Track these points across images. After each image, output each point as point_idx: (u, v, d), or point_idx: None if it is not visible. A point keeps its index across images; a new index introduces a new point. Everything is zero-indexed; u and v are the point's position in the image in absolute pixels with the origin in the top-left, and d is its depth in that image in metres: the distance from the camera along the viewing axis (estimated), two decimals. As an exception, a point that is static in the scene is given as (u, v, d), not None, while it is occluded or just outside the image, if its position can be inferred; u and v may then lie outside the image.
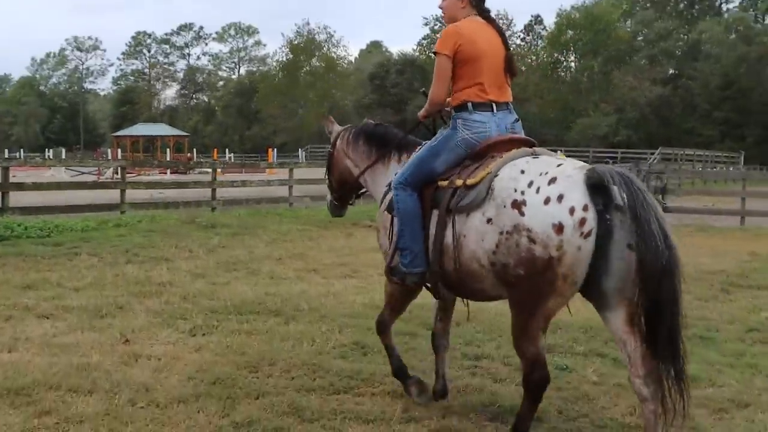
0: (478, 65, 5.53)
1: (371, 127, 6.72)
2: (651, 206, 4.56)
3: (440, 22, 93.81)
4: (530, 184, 4.74)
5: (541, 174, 4.78)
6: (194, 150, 73.28)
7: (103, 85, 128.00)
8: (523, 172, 4.87)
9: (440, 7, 5.83)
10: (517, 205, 4.73)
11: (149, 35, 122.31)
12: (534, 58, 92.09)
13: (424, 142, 6.02)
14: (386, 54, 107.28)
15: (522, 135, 5.61)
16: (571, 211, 4.54)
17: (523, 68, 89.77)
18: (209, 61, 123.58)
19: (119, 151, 67.23)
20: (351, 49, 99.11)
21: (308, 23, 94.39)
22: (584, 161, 5.22)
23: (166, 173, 44.67)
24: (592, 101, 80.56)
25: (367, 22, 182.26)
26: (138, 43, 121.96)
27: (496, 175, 5.00)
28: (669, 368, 4.66)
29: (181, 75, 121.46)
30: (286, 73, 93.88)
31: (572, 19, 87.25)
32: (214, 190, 22.58)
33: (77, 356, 7.27)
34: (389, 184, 5.94)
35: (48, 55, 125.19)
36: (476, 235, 4.99)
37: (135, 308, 9.41)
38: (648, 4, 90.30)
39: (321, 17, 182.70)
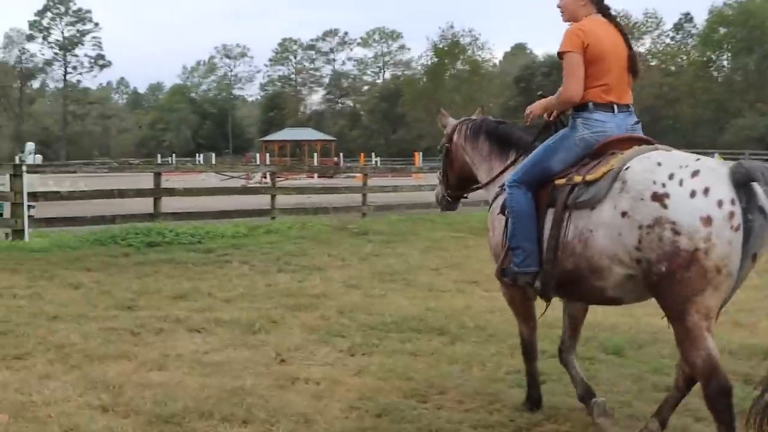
0: (602, 66, 5.40)
1: (493, 124, 6.53)
2: None
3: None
4: (671, 176, 4.54)
5: (681, 166, 4.58)
6: (341, 154, 73.54)
7: (251, 91, 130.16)
8: (659, 164, 4.68)
9: (559, 6, 5.71)
10: (659, 197, 4.51)
11: (295, 41, 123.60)
12: (685, 57, 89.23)
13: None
14: (531, 56, 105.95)
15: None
16: (719, 203, 4.36)
17: (673, 68, 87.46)
18: (354, 65, 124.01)
19: (267, 155, 68.10)
20: (495, 51, 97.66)
21: (452, 26, 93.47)
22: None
23: (313, 177, 44.73)
24: (748, 101, 77.42)
25: (511, 24, 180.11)
26: (284, 50, 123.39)
27: (626, 168, 4.81)
28: None
29: (326, 80, 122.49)
30: (430, 76, 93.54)
31: (725, 15, 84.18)
32: (364, 196, 22.12)
33: (230, 377, 6.78)
34: (502, 186, 5.86)
35: (198, 62, 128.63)
36: (609, 229, 4.79)
37: (289, 323, 8.91)
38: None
39: (465, 20, 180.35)
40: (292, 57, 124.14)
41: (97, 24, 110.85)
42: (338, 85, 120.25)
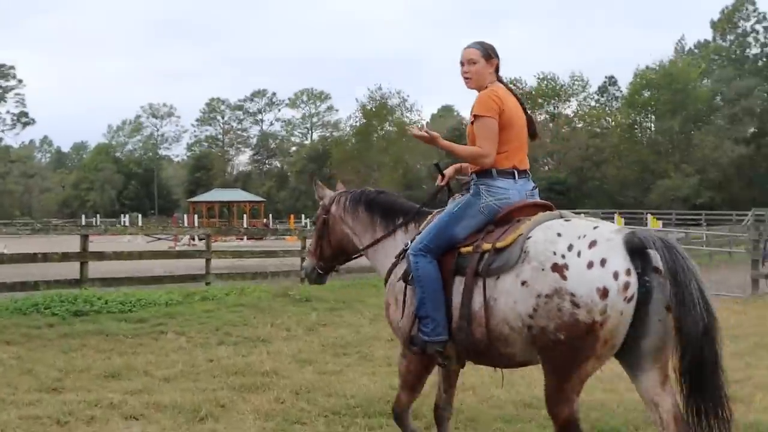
0: (508, 133, 5.57)
1: (373, 194, 6.60)
2: (692, 271, 4.57)
3: (515, 85, 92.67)
4: (570, 248, 4.74)
5: (579, 237, 4.78)
6: (270, 216, 72.44)
7: (178, 151, 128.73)
8: (559, 234, 4.87)
9: (466, 72, 5.76)
10: (558, 268, 4.70)
11: (223, 101, 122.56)
12: (610, 119, 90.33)
13: (434, 210, 6.02)
14: (458, 117, 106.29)
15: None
16: (615, 275, 4.57)
17: (598, 130, 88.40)
18: (282, 126, 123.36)
19: (195, 216, 66.72)
20: (423, 113, 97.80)
21: (380, 88, 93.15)
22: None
23: (242, 239, 43.62)
24: (673, 162, 78.16)
25: (437, 87, 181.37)
26: (212, 110, 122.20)
27: (528, 237, 4.98)
28: (716, 426, 4.62)
29: (254, 141, 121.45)
30: (359, 137, 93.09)
31: (649, 78, 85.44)
32: (303, 259, 20.81)
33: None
34: (399, 255, 5.92)
35: (124, 122, 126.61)
36: (508, 298, 4.94)
37: (239, 407, 7.90)
38: (726, 63, 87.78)
39: (393, 82, 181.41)
40: (219, 117, 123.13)
41: (20, 81, 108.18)
42: (266, 146, 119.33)
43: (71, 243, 18.61)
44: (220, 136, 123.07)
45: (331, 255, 6.81)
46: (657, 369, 4.80)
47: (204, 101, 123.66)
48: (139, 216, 79.80)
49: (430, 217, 5.99)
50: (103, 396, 8.12)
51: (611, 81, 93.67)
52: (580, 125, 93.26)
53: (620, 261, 4.61)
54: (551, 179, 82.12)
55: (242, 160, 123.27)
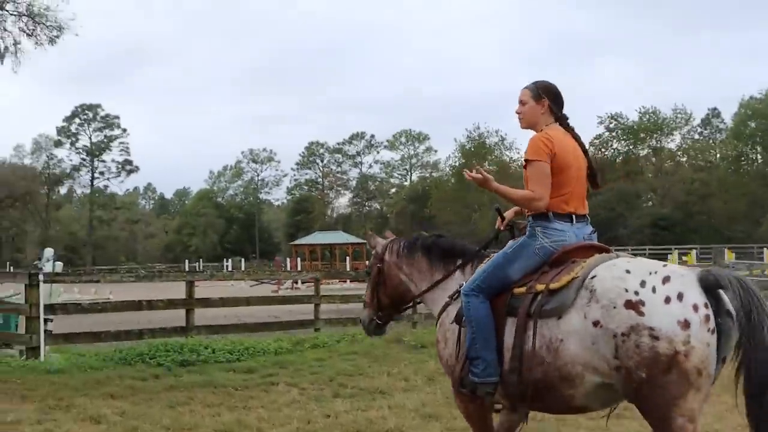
0: (565, 176, 5.46)
1: (429, 239, 6.43)
2: (766, 312, 4.51)
3: (616, 120, 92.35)
4: (643, 284, 4.62)
5: (650, 273, 4.68)
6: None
7: (278, 195, 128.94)
8: (628, 271, 4.76)
9: (518, 112, 5.79)
10: (633, 305, 4.57)
11: (322, 145, 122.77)
12: (714, 152, 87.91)
13: (491, 252, 5.93)
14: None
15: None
16: (695, 308, 4.48)
17: (702, 163, 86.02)
18: (381, 168, 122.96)
19: (298, 259, 66.46)
20: (522, 151, 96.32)
21: (478, 127, 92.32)
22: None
23: (345, 282, 43.04)
24: (784, 194, 75.50)
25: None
26: (311, 153, 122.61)
27: (592, 277, 4.87)
28: None
29: (353, 183, 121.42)
30: (458, 178, 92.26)
31: (755, 108, 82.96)
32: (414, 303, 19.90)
33: None
34: (452, 295, 5.84)
35: (225, 167, 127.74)
36: (580, 339, 4.78)
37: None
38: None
39: (489, 121, 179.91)
40: (318, 160, 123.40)
41: (125, 130, 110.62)
42: (365, 188, 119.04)
43: (176, 289, 18.05)
44: (319, 180, 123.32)
45: (389, 304, 6.62)
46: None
47: (303, 145, 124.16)
48: (242, 260, 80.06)
49: (487, 259, 5.86)
50: (216, 460, 7.32)
51: (714, 113, 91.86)
52: (684, 159, 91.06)
53: (698, 295, 4.54)
54: (655, 215, 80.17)
55: (342, 202, 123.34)
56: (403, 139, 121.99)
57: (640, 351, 4.50)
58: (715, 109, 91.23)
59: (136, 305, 15.82)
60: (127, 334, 14.84)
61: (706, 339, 4.47)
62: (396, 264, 6.45)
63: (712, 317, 4.50)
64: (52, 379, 11.66)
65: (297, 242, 79.29)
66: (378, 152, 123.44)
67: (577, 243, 5.43)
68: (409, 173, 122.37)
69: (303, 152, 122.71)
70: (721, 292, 4.60)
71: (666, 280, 4.61)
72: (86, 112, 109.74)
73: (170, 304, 16.26)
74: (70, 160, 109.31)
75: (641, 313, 4.53)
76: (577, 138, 5.69)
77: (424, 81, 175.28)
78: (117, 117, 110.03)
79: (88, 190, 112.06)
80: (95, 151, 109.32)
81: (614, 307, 4.63)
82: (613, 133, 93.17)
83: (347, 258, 67.71)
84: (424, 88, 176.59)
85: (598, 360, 4.71)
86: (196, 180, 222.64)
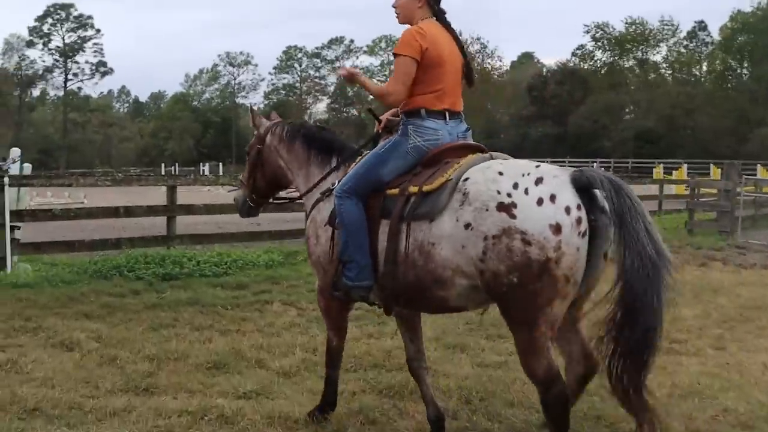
0: (438, 72, 5.34)
1: (314, 129, 6.36)
2: (640, 212, 4.45)
3: (602, 30, 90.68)
4: (515, 186, 4.52)
5: (523, 175, 4.58)
6: (351, 164, 70.57)
7: (255, 100, 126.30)
8: (501, 173, 4.64)
9: (394, 6, 5.62)
10: (505, 207, 4.48)
11: (300, 49, 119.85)
12: (700, 66, 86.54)
13: (365, 152, 5.74)
14: (539, 65, 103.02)
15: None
16: (567, 210, 4.41)
17: (687, 76, 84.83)
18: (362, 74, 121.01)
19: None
20: (504, 60, 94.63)
21: (461, 33, 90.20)
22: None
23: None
24: (772, 110, 74.36)
25: (516, 34, 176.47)
26: (289, 58, 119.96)
27: (466, 179, 4.75)
28: (631, 380, 4.51)
29: (332, 89, 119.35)
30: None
31: (747, 22, 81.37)
32: None
33: None
34: (324, 192, 5.75)
35: (201, 71, 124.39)
36: (452, 242, 4.68)
37: (397, 425, 5.88)
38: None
39: (470, 29, 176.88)
40: (297, 65, 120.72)
41: (98, 30, 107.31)
42: (344, 94, 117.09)
43: (153, 194, 16.72)
44: (297, 85, 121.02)
45: (264, 187, 6.54)
46: (575, 310, 4.78)
47: (281, 49, 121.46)
48: (219, 165, 78.47)
49: (359, 158, 5.68)
50: (210, 403, 6.14)
51: (701, 26, 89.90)
52: (669, 72, 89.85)
53: (570, 196, 4.44)
54: (639, 128, 79.13)
55: (320, 108, 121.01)
56: (383, 45, 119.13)
57: (511, 255, 4.41)
58: (701, 21, 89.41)
59: (113, 212, 14.28)
60: (102, 243, 13.48)
61: (577, 243, 4.40)
62: (276, 148, 6.31)
63: (584, 219, 4.43)
64: (19, 294, 10.45)
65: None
66: (357, 58, 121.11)
67: (451, 142, 5.31)
68: (388, 79, 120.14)
69: (281, 57, 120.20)
70: (596, 191, 4.52)
71: (539, 181, 4.51)
72: (59, 11, 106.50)
73: (150, 210, 14.76)
74: (43, 61, 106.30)
75: (513, 216, 4.44)
76: (453, 34, 5.53)
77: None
78: (90, 17, 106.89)
79: (61, 93, 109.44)
80: (68, 52, 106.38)
81: (486, 210, 4.53)
82: (599, 43, 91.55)
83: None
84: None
85: (465, 263, 4.62)
86: (171, 83, 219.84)
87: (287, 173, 6.29)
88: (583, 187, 4.51)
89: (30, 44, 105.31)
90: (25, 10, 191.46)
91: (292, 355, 7.76)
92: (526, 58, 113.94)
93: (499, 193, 4.53)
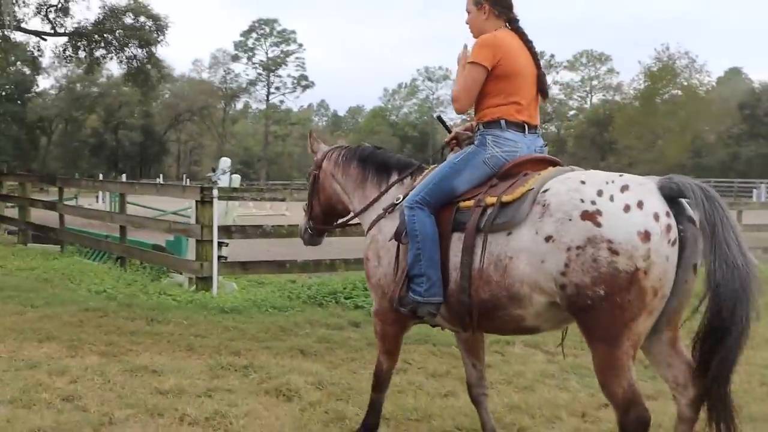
0: (516, 82, 5.16)
1: (369, 149, 6.07)
2: (731, 225, 4.15)
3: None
4: (600, 193, 4.24)
5: (607, 182, 4.30)
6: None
7: (452, 115, 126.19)
8: (583, 182, 4.36)
9: (467, 22, 5.46)
10: (590, 215, 4.18)
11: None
12: None
13: (431, 166, 5.57)
14: (746, 82, 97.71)
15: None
16: (656, 217, 4.12)
17: None
18: (560, 89, 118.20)
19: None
20: (712, 75, 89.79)
21: (668, 48, 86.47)
22: None
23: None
24: None
25: (722, 48, 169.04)
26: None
27: (545, 190, 4.48)
28: (717, 391, 4.24)
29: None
30: (642, 101, 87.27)
31: None
32: None
33: None
34: (386, 208, 5.49)
35: (399, 85, 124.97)
36: (530, 256, 4.39)
37: None
38: None
39: (677, 43, 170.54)
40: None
41: (300, 45, 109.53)
42: (543, 109, 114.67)
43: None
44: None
45: (321, 214, 6.35)
46: (670, 330, 4.45)
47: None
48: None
49: (427, 171, 5.47)
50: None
51: None
52: None
53: (658, 203, 4.15)
54: None
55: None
56: (583, 60, 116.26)
57: (597, 266, 4.10)
58: None
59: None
60: (316, 265, 12.17)
61: (666, 252, 4.10)
62: (332, 173, 6.15)
63: (674, 227, 4.14)
64: (225, 322, 9.30)
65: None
66: (557, 72, 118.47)
67: (529, 155, 5.10)
68: (590, 95, 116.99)
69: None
70: (684, 200, 4.24)
71: (625, 188, 4.24)
72: (263, 26, 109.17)
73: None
74: (247, 75, 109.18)
75: (599, 224, 4.15)
76: (528, 43, 5.32)
77: (606, 1, 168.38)
78: (294, 32, 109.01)
79: (263, 105, 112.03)
80: (271, 66, 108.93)
81: (569, 220, 4.24)
82: None
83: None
84: (607, 7, 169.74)
85: (545, 279, 4.32)
86: (369, 98, 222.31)
87: (343, 197, 6.09)
88: (672, 195, 4.25)
89: (235, 58, 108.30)
90: (231, 26, 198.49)
91: (560, 421, 6.15)
92: (734, 73, 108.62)
93: (582, 201, 4.27)
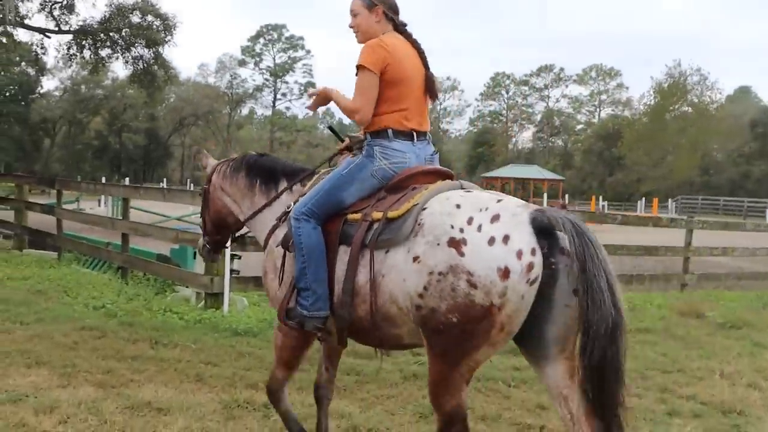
0: (402, 89, 5.00)
1: (254, 157, 5.92)
2: (602, 260, 4.01)
3: None
4: (470, 221, 4.16)
5: (481, 210, 4.21)
6: (566, 196, 67.16)
7: (459, 126, 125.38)
8: (458, 206, 4.29)
9: (352, 26, 5.24)
10: (456, 243, 4.11)
11: (508, 76, 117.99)
12: None
13: (320, 171, 5.49)
14: (755, 102, 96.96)
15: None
16: (519, 254, 4.01)
17: None
18: (568, 103, 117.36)
19: (490, 194, 62.21)
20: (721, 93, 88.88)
21: (679, 64, 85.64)
22: None
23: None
24: None
25: (732, 67, 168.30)
26: (496, 84, 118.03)
27: (424, 209, 4.40)
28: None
29: (538, 117, 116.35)
30: (652, 117, 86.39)
31: None
32: (687, 260, 15.15)
33: None
34: (279, 217, 5.31)
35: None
36: (397, 274, 4.33)
37: None
38: None
39: (687, 60, 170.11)
40: (504, 92, 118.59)
41: (308, 51, 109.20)
42: (550, 123, 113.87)
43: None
44: (503, 112, 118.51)
45: (213, 228, 6.09)
46: (564, 359, 4.21)
47: (488, 76, 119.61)
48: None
49: (316, 177, 5.38)
50: None
51: None
52: None
53: (525, 238, 4.03)
54: None
55: (525, 136, 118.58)
56: (593, 74, 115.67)
57: (455, 295, 4.03)
58: None
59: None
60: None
61: (523, 290, 3.98)
62: (221, 186, 5.95)
63: (537, 265, 3.98)
64: (239, 346, 8.32)
65: (489, 174, 73.56)
66: (566, 86, 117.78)
67: (419, 167, 4.93)
68: (598, 110, 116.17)
69: (488, 83, 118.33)
70: (558, 233, 4.04)
71: (495, 218, 4.11)
72: (271, 32, 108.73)
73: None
74: (253, 81, 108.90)
75: (462, 254, 4.04)
76: (417, 46, 5.15)
77: (619, 17, 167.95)
78: (301, 38, 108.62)
79: (269, 111, 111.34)
80: (278, 72, 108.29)
81: (437, 244, 4.16)
82: None
83: (544, 195, 62.57)
84: (618, 24, 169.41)
85: (403, 297, 4.26)
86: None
87: (233, 208, 5.87)
88: (544, 229, 4.07)
89: (242, 63, 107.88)
90: (238, 32, 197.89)
91: None
92: (743, 92, 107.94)
93: (452, 227, 4.17)
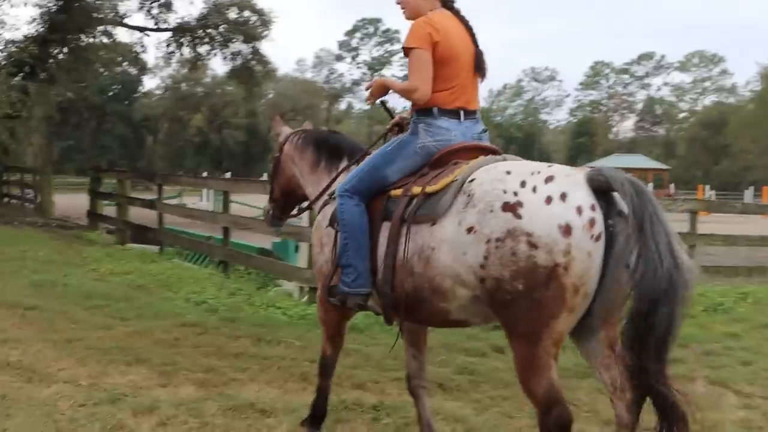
0: (451, 67, 4.94)
1: (324, 133, 6.12)
2: (662, 221, 3.85)
3: None
4: (523, 184, 4.02)
5: (533, 173, 4.07)
6: (672, 185, 65.52)
7: (559, 116, 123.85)
8: (509, 172, 4.16)
9: (399, 2, 5.21)
10: (511, 207, 3.97)
11: (607, 65, 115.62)
12: None
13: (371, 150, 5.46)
14: None
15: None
16: (579, 210, 3.86)
17: None
18: (670, 91, 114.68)
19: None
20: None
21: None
22: None
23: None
24: None
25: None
26: (596, 74, 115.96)
27: (471, 180, 4.29)
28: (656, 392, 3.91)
29: (639, 106, 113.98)
30: (759, 104, 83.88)
31: None
32: None
33: None
34: (331, 194, 5.32)
35: (504, 86, 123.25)
36: (452, 247, 4.20)
37: None
38: None
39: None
40: (603, 81, 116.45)
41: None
42: (652, 111, 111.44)
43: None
44: (604, 101, 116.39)
45: (281, 197, 6.20)
46: (606, 330, 4.16)
47: (588, 65, 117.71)
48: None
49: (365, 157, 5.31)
50: None
51: None
52: None
53: (584, 196, 3.88)
54: None
55: (626, 126, 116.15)
56: (695, 61, 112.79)
57: (516, 260, 3.87)
58: None
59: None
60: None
61: (589, 247, 3.81)
62: (291, 156, 6.00)
63: (599, 221, 3.85)
64: (344, 343, 7.82)
65: (592, 164, 72.12)
66: (668, 74, 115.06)
67: (462, 143, 4.87)
68: (702, 97, 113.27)
69: (587, 72, 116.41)
70: (615, 195, 3.92)
71: (549, 179, 3.98)
72: (367, 26, 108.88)
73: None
74: (351, 75, 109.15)
75: (519, 216, 3.92)
76: (465, 23, 5.07)
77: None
78: (398, 31, 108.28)
79: (367, 106, 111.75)
80: (375, 66, 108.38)
81: (491, 211, 4.03)
82: None
83: (650, 185, 61.15)
84: (722, 8, 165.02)
85: (465, 271, 4.11)
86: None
87: (300, 181, 5.97)
88: (601, 189, 3.92)
89: (339, 58, 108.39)
90: (335, 26, 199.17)
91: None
92: None
93: (505, 192, 4.03)
